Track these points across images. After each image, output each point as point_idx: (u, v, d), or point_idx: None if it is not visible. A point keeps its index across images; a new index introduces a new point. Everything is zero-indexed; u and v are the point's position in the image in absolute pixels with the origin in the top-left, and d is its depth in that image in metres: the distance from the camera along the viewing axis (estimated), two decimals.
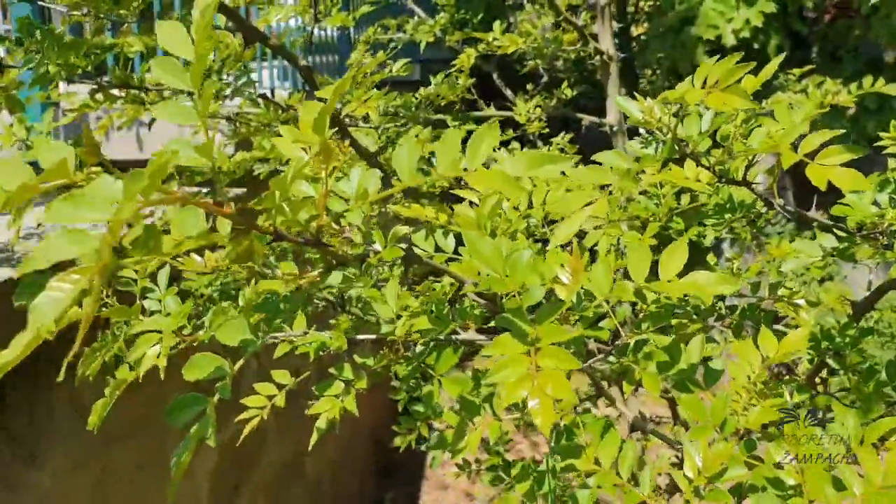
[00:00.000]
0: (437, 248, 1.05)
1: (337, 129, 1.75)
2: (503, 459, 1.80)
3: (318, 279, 0.75)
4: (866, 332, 1.20)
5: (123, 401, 2.35)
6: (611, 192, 0.95)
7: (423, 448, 2.01)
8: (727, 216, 1.07)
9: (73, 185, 0.54)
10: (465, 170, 0.66)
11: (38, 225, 2.02)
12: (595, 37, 2.25)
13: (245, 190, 2.73)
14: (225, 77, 1.62)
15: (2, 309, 1.70)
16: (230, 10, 1.31)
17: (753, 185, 1.01)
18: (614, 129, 2.36)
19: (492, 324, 1.25)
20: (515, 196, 0.68)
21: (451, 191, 1.01)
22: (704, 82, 0.83)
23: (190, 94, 0.59)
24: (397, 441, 1.96)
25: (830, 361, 1.23)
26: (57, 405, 1.97)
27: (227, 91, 1.60)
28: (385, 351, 1.09)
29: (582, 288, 0.84)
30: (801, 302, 1.22)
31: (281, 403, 1.05)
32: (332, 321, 1.07)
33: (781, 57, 0.93)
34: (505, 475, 1.77)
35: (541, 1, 2.54)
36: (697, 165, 0.96)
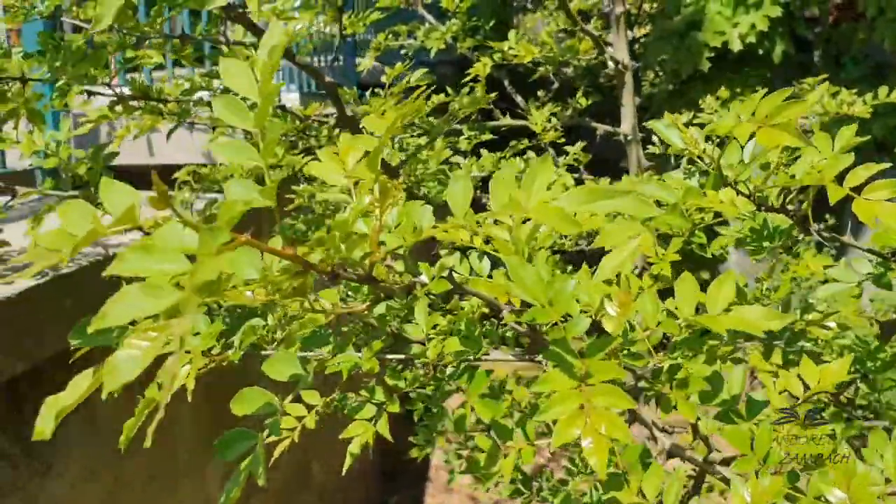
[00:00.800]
0: (472, 272, 1.04)
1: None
2: (521, 472, 1.80)
3: (366, 311, 0.74)
4: None
5: (131, 409, 2.33)
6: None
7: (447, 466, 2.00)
8: (765, 244, 1.06)
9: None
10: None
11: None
12: (610, 45, 2.25)
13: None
14: None
15: (25, 321, 1.69)
16: (255, 27, 1.31)
17: (792, 213, 1.01)
18: (628, 138, 2.36)
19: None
20: (571, 232, 0.67)
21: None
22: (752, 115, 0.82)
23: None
24: (414, 452, 1.95)
25: (861, 385, 1.22)
26: (72, 416, 1.95)
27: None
28: (416, 372, 1.08)
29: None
30: (832, 325, 1.22)
31: (311, 425, 1.04)
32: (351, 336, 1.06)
33: (826, 85, 0.92)
34: (524, 488, 1.77)
35: (550, 7, 2.53)
36: (738, 194, 0.95)
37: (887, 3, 5.20)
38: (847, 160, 0.90)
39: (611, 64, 2.16)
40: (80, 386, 0.58)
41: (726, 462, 1.05)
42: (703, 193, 0.87)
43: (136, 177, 2.69)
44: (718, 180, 0.90)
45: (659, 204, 0.97)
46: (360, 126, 1.65)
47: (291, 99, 5.25)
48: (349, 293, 1.04)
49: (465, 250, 1.07)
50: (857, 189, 0.85)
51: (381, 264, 0.69)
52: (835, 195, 0.87)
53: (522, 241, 0.98)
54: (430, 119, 1.90)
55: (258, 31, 1.31)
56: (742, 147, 0.94)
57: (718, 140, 0.90)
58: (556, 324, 0.85)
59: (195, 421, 2.57)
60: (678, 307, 0.81)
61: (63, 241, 0.53)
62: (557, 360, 0.72)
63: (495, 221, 1.03)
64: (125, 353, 0.46)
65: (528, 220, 1.00)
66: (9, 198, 1.79)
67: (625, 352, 0.84)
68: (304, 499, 3.53)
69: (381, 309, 0.90)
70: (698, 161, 0.93)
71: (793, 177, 0.92)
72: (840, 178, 0.90)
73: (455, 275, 1.01)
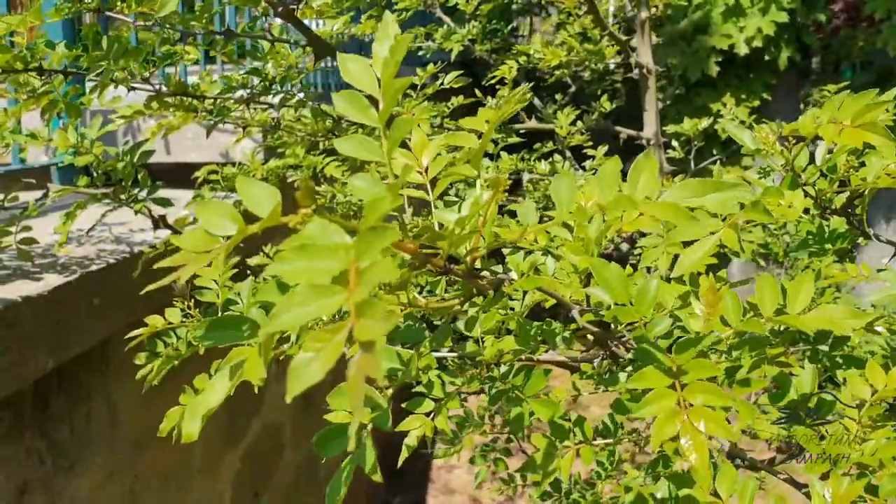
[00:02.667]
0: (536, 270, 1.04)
1: None
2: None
3: (459, 306, 0.74)
4: None
5: (150, 407, 2.32)
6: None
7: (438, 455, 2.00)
8: (827, 245, 1.07)
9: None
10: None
11: (89, 230, 1.99)
12: (634, 50, 2.25)
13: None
14: (288, 87, 1.60)
15: (54, 318, 1.68)
16: (303, 25, 1.31)
17: (854, 217, 1.01)
18: (651, 142, 2.36)
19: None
20: (691, 230, 0.67)
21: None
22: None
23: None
24: (439, 453, 1.95)
25: None
26: (94, 414, 1.94)
27: (291, 102, 1.59)
28: (473, 371, 1.08)
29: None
30: (881, 329, 1.22)
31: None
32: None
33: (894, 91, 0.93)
34: (554, 490, 1.76)
35: (573, 11, 2.53)
36: (805, 196, 0.95)
37: (894, 7, 5.23)
38: None
39: (636, 69, 2.17)
40: (220, 387, 0.58)
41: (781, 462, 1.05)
42: (781, 193, 0.87)
43: (154, 174, 2.66)
44: (795, 181, 0.90)
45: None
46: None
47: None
48: (428, 289, 1.04)
49: (525, 250, 1.07)
50: None
51: (480, 260, 0.69)
52: None
53: (592, 240, 0.98)
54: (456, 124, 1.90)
55: (304, 28, 1.31)
56: (809, 149, 0.94)
57: (795, 140, 0.90)
58: (634, 323, 0.86)
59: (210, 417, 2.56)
60: (760, 306, 0.81)
61: (205, 241, 0.52)
62: (649, 359, 0.72)
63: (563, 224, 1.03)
64: (306, 357, 0.44)
65: (592, 220, 1.00)
66: (40, 193, 1.78)
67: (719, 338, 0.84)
68: (309, 498, 3.52)
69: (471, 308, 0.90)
70: (770, 162, 0.93)
71: (864, 180, 0.92)
72: None
73: (545, 257, 1.00)
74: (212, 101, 1.63)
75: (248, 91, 1.60)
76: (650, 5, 2.24)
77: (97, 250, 1.99)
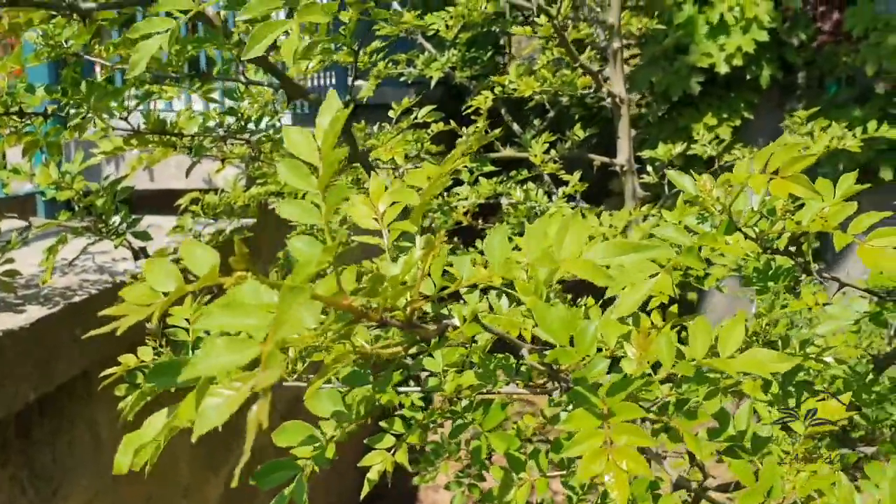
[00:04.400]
0: (491, 309, 1.08)
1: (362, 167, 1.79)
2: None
3: (402, 352, 0.78)
4: (894, 390, 1.25)
5: (134, 430, 2.36)
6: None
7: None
8: (770, 283, 1.11)
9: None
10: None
11: (72, 261, 2.03)
12: (607, 80, 2.31)
13: (255, 220, 2.76)
14: (260, 126, 1.65)
15: (37, 350, 1.72)
16: (275, 69, 1.35)
17: (795, 256, 1.06)
18: (624, 168, 2.42)
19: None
20: (604, 284, 0.72)
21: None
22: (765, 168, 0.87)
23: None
24: (417, 480, 1.99)
25: (857, 418, 1.27)
26: (77, 441, 1.98)
27: (258, 136, 1.64)
28: (433, 406, 1.13)
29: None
30: (830, 359, 1.27)
31: (330, 455, 1.08)
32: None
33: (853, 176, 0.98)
34: None
35: (549, 43, 2.59)
36: (746, 238, 1.00)
37: (872, 25, 5.31)
38: (851, 208, 0.95)
39: (608, 98, 2.22)
40: (156, 424, 0.62)
41: (723, 488, 1.10)
42: (716, 239, 0.92)
43: (138, 201, 2.70)
44: (731, 226, 0.95)
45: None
46: (371, 161, 1.70)
47: (284, 121, 5.30)
48: (380, 334, 1.08)
49: (484, 289, 1.11)
50: (861, 235, 0.91)
51: (420, 311, 0.73)
52: (840, 242, 0.92)
53: (541, 281, 1.03)
54: (434, 158, 1.95)
55: (276, 72, 1.36)
56: (745, 194, 0.99)
57: (729, 186, 0.95)
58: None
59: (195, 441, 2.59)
60: (692, 349, 0.86)
61: (147, 296, 0.57)
62: (582, 400, 0.77)
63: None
64: (213, 401, 0.50)
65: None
66: (23, 225, 1.83)
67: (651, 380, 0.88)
68: None
69: (413, 350, 0.94)
70: (710, 207, 0.98)
71: (799, 223, 0.97)
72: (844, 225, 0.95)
73: (484, 304, 1.05)
74: (190, 138, 1.67)
75: (225, 129, 1.65)
76: (622, 37, 2.30)
77: (80, 280, 2.03)
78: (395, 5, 3.21)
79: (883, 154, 5.04)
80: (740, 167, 0.90)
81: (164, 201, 2.99)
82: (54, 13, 1.26)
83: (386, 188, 0.88)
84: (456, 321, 0.81)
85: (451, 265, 0.85)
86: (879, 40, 5.04)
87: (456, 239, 2.43)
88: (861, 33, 5.24)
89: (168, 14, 1.01)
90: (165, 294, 0.57)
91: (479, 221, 2.92)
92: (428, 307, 0.86)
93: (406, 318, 0.71)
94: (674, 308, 1.25)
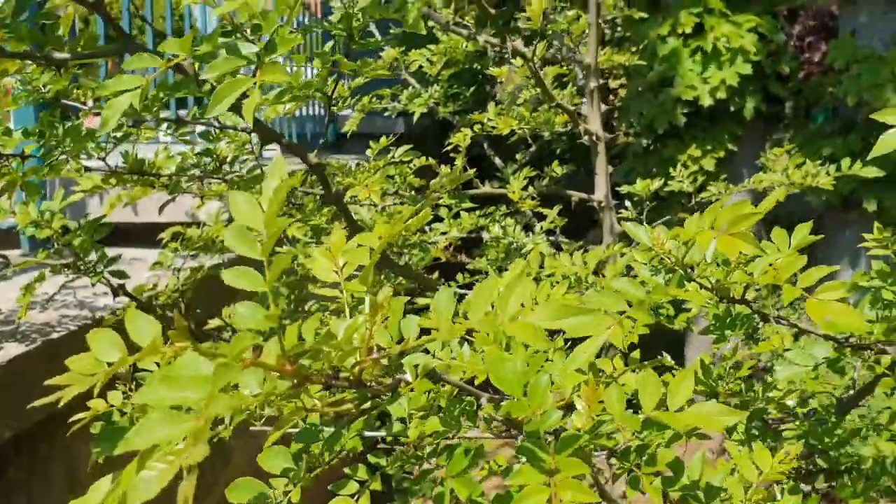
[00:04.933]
0: (453, 356, 1.10)
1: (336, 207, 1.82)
2: None
3: (354, 410, 0.80)
4: (854, 433, 1.27)
5: (113, 466, 2.36)
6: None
7: None
8: (727, 332, 1.14)
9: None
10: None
11: (52, 296, 2.04)
12: (585, 118, 2.34)
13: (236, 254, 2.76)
14: (237, 167, 1.68)
15: (13, 387, 1.72)
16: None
17: (752, 304, 1.08)
18: (602, 205, 2.44)
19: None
20: (543, 346, 0.74)
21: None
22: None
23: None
24: None
25: (819, 460, 1.29)
26: (55, 480, 1.98)
27: (231, 177, 1.66)
28: (398, 452, 1.14)
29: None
30: (791, 403, 1.29)
31: (295, 499, 1.09)
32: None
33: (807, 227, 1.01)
34: None
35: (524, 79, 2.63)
36: (701, 288, 1.02)
37: (853, 58, 5.38)
38: (801, 261, 0.98)
39: (585, 136, 2.25)
40: (100, 489, 0.63)
41: None
42: (667, 293, 0.94)
43: (122, 234, 2.71)
44: (682, 279, 0.97)
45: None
46: (344, 202, 1.72)
47: (272, 153, 5.34)
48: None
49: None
50: (810, 289, 0.93)
51: (378, 375, 0.75)
52: (789, 295, 0.94)
53: (502, 332, 1.05)
54: (413, 194, 1.98)
55: (252, 120, 1.38)
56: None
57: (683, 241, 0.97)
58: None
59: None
60: (641, 401, 0.88)
61: (92, 366, 0.59)
62: (529, 455, 0.78)
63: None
64: (147, 474, 0.52)
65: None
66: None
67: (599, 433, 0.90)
68: None
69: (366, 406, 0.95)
70: (665, 259, 1.00)
71: (750, 275, 0.99)
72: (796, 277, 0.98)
73: (436, 360, 1.07)
74: (167, 177, 1.69)
75: (202, 169, 1.67)
76: (599, 77, 2.34)
77: (59, 316, 2.04)
78: (375, 33, 3.26)
79: (866, 185, 5.08)
80: (690, 223, 0.92)
81: (148, 234, 3.01)
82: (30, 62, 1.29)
83: (348, 239, 0.91)
84: (408, 377, 0.82)
85: (425, 309, 0.86)
86: (860, 73, 5.11)
87: (436, 274, 2.44)
88: (843, 66, 5.31)
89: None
90: (110, 364, 0.59)
91: (462, 255, 2.94)
92: (386, 360, 0.87)
93: (355, 378, 0.73)
94: (636, 354, 1.28)
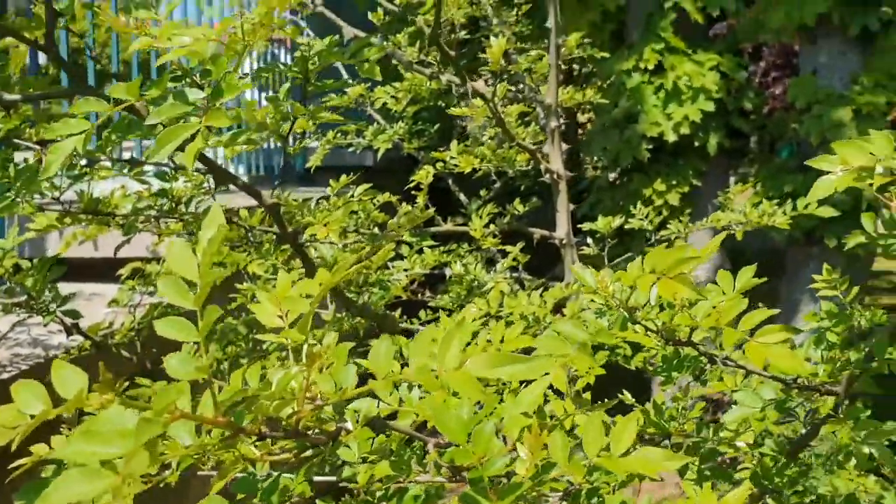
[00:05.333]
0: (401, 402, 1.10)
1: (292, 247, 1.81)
2: None
3: (294, 460, 0.79)
4: (804, 473, 1.28)
5: None
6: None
7: None
8: (674, 374, 1.15)
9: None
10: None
11: (5, 334, 2.01)
12: (546, 157, 2.37)
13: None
14: (192, 207, 1.67)
15: None
16: (205, 157, 1.38)
17: (698, 346, 1.09)
18: (563, 242, 2.46)
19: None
20: (479, 399, 0.74)
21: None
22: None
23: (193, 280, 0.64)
24: None
25: (770, 501, 1.30)
26: None
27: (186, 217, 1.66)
28: (347, 497, 1.13)
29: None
30: (741, 444, 1.30)
31: None
32: None
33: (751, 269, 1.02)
34: None
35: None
36: (647, 331, 1.03)
37: (814, 98, 5.49)
38: (742, 304, 0.99)
39: (546, 174, 2.28)
40: None
41: None
42: (611, 336, 0.95)
43: (82, 269, 2.68)
44: (625, 322, 0.98)
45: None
46: (301, 241, 1.72)
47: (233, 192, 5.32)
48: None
49: None
50: (752, 332, 0.94)
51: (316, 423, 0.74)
52: (729, 339, 0.95)
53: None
54: (376, 230, 1.98)
55: (204, 159, 1.38)
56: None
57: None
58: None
59: None
60: (585, 447, 0.88)
61: (16, 418, 0.58)
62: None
63: None
64: None
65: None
66: None
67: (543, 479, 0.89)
68: None
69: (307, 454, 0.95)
70: (609, 302, 1.01)
71: (694, 318, 1.01)
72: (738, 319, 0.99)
73: (384, 405, 1.06)
74: (122, 217, 1.68)
75: (157, 209, 1.66)
76: (560, 117, 2.37)
77: (11, 355, 2.01)
78: (345, 76, 3.28)
79: (826, 221, 5.17)
80: (632, 267, 0.93)
81: (108, 269, 2.97)
82: None
83: (293, 283, 0.90)
84: (349, 425, 0.82)
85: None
86: (821, 113, 5.21)
87: (399, 311, 2.44)
88: (804, 105, 5.42)
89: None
90: (32, 416, 0.58)
91: (427, 291, 2.94)
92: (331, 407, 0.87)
93: (293, 428, 0.73)
94: (587, 395, 1.28)
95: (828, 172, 0.86)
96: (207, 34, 0.98)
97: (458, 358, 0.70)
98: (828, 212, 2.40)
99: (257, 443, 0.76)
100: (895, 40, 5.39)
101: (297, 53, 1.37)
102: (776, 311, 0.96)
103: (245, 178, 5.31)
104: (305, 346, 0.74)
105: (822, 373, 1.13)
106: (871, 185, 0.90)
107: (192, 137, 0.93)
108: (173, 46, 0.99)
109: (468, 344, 1.17)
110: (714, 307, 1.01)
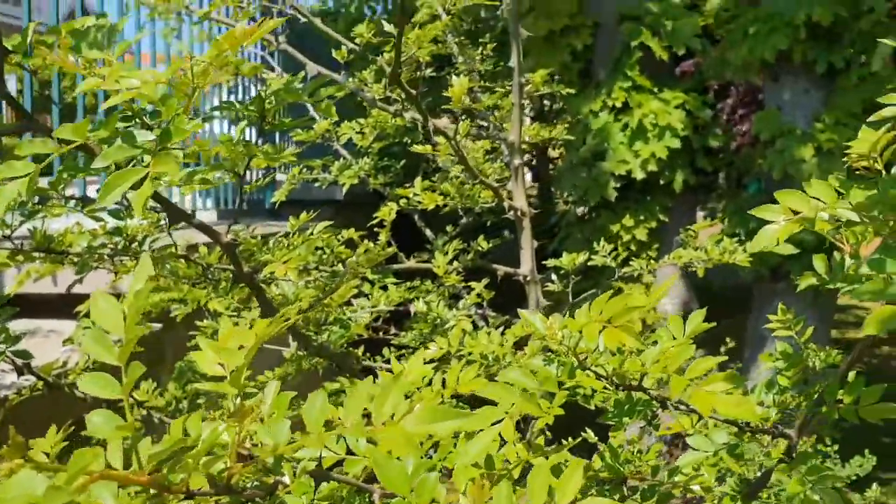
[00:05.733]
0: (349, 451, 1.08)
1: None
2: None
3: None
4: None
5: None
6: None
7: None
8: (625, 419, 1.14)
9: None
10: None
11: None
12: (510, 194, 2.38)
13: (161, 326, 2.72)
14: (146, 245, 1.65)
15: None
16: (159, 196, 1.36)
17: (649, 391, 1.09)
18: (527, 279, 2.46)
19: None
20: (413, 454, 0.73)
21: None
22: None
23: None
24: None
25: None
26: None
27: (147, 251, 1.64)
28: None
29: None
30: (697, 487, 1.29)
31: None
32: None
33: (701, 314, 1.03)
34: None
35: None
36: (597, 377, 1.03)
37: (778, 132, 5.59)
38: (689, 352, 0.99)
39: (510, 211, 2.28)
40: None
41: None
42: (556, 385, 0.94)
43: (40, 305, 2.63)
44: (573, 369, 0.97)
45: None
46: (256, 282, 1.70)
47: (208, 216, 5.28)
48: None
49: None
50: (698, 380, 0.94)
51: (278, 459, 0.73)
52: (677, 387, 0.95)
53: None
54: (340, 267, 1.97)
55: (158, 197, 1.36)
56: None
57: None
58: None
59: None
60: (530, 498, 0.87)
61: None
62: None
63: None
64: None
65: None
66: None
67: None
68: None
69: None
70: (558, 348, 1.00)
71: (643, 364, 1.00)
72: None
73: (332, 453, 1.04)
74: (76, 254, 1.66)
75: (112, 247, 1.64)
76: (523, 154, 2.38)
77: None
78: (312, 112, 3.28)
79: (792, 258, 5.24)
80: (580, 314, 0.93)
81: (67, 305, 2.93)
82: None
83: (236, 330, 0.89)
84: (286, 479, 0.80)
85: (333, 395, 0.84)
86: (783, 148, 5.30)
87: (362, 349, 2.42)
88: (768, 137, 5.51)
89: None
90: None
91: (392, 327, 2.92)
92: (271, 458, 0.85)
93: (224, 484, 0.71)
94: (540, 440, 1.27)
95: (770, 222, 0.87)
96: (156, 77, 0.97)
97: (391, 413, 0.69)
98: (787, 249, 2.43)
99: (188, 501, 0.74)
100: (856, 79, 5.51)
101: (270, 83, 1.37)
102: (723, 357, 0.96)
103: (214, 212, 5.27)
104: (238, 400, 0.72)
105: (775, 416, 1.13)
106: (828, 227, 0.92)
107: (142, 181, 0.92)
108: (122, 88, 0.98)
109: (420, 388, 1.16)
110: (663, 353, 1.01)
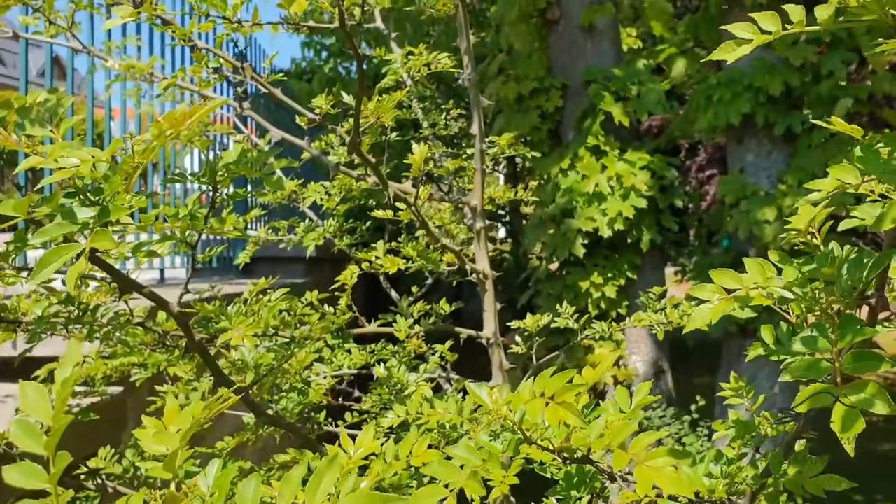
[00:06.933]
0: None
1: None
2: None
3: None
4: None
5: None
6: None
7: None
8: (574, 493, 1.14)
9: None
10: None
11: None
12: (473, 258, 2.39)
13: (122, 389, 2.68)
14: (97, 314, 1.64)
15: None
16: (107, 265, 1.35)
17: (597, 464, 1.09)
18: (491, 341, 2.47)
19: None
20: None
21: None
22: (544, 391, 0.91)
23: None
24: None
25: None
26: None
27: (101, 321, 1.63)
28: None
29: None
30: None
31: None
32: None
33: (647, 386, 1.04)
34: None
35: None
36: (543, 450, 1.03)
37: (742, 194, 5.69)
38: (632, 427, 1.00)
39: (472, 274, 2.30)
40: None
41: None
42: (500, 463, 0.94)
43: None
44: (516, 444, 0.98)
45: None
46: (207, 352, 1.69)
47: (177, 276, 5.26)
48: None
49: None
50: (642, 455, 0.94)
51: None
52: (619, 462, 0.96)
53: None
54: (297, 331, 1.96)
55: (110, 269, 1.36)
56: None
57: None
58: None
59: None
60: None
61: None
62: None
63: None
64: None
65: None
66: None
67: None
68: None
69: None
70: (505, 422, 1.00)
71: (588, 437, 1.01)
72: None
73: None
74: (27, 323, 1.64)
75: (66, 317, 1.63)
76: (485, 218, 2.41)
77: None
78: (279, 173, 3.30)
79: (762, 317, 5.29)
80: (524, 388, 0.93)
81: (26, 369, 2.88)
82: None
83: (214, 388, 0.88)
84: None
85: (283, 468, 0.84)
86: (747, 209, 5.40)
87: (324, 413, 2.40)
88: (733, 201, 5.62)
89: None
90: None
91: (355, 390, 2.90)
92: None
93: None
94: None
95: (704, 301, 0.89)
96: (96, 156, 0.98)
97: (330, 488, 0.69)
98: (746, 313, 2.45)
99: None
100: (817, 140, 5.66)
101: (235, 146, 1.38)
102: (663, 433, 0.97)
103: (182, 271, 5.24)
104: (172, 485, 0.72)
105: (721, 489, 1.14)
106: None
107: (79, 257, 0.92)
108: (63, 166, 0.99)
109: (375, 457, 1.15)
110: (607, 427, 1.02)
